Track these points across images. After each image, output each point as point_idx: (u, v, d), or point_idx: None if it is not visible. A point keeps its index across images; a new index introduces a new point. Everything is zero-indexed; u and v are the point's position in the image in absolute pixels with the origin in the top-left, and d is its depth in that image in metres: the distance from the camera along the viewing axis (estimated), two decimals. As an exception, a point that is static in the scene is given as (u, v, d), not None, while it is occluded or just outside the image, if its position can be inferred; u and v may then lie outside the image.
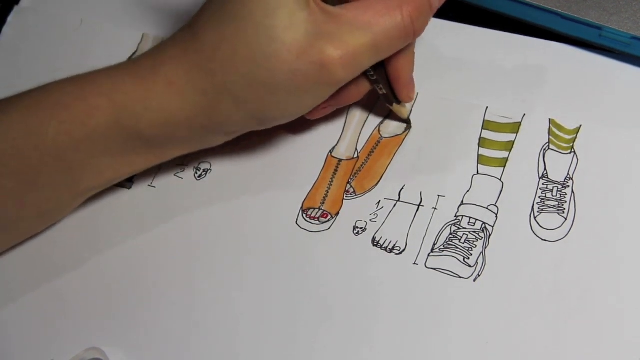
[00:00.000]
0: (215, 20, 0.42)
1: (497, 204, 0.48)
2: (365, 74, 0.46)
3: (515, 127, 0.50)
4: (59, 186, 0.46)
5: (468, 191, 0.48)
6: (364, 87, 0.47)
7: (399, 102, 0.49)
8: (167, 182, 0.51)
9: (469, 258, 0.46)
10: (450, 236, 0.47)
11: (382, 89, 0.48)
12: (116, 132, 0.44)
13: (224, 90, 0.43)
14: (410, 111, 0.51)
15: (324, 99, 0.45)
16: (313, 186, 0.50)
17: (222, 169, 0.51)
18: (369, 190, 0.49)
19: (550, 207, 0.47)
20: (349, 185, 0.49)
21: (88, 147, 0.44)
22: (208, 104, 0.43)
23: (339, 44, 0.41)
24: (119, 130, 0.44)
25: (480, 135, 0.50)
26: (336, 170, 0.50)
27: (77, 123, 0.44)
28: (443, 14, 0.54)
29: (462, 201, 0.48)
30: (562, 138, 0.49)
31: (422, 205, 0.48)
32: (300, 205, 0.49)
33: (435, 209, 0.48)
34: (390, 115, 0.51)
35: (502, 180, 0.48)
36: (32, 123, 0.44)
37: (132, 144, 0.45)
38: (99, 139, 0.44)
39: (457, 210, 0.48)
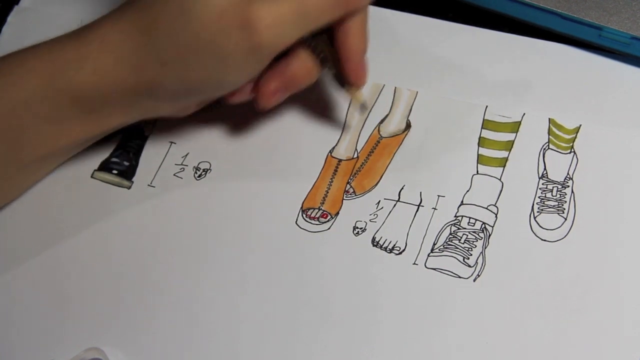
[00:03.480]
0: None
1: (496, 204, 0.48)
2: (310, 49, 0.45)
3: (515, 127, 0.50)
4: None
5: (468, 191, 0.48)
6: (311, 65, 0.46)
7: (349, 84, 0.47)
8: (166, 182, 0.51)
9: (468, 258, 0.46)
10: (450, 236, 0.47)
11: (331, 67, 0.46)
12: (51, 94, 0.44)
13: (151, 50, 0.43)
14: (410, 111, 0.51)
15: (254, 68, 0.44)
16: (313, 186, 0.50)
17: (221, 169, 0.51)
18: (369, 191, 0.49)
19: (550, 207, 0.47)
20: (348, 186, 0.49)
21: (25, 112, 0.45)
22: (137, 63, 0.43)
23: (262, 6, 0.41)
24: (54, 92, 0.44)
25: (480, 134, 0.50)
26: (336, 170, 0.50)
27: (13, 87, 0.44)
28: (443, 14, 0.54)
29: (462, 201, 0.48)
30: (561, 138, 0.49)
31: (422, 206, 0.48)
32: (300, 206, 0.49)
33: (435, 209, 0.48)
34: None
35: (501, 180, 0.48)
36: None
37: (69, 109, 0.45)
38: (35, 103, 0.44)
39: (457, 210, 0.48)
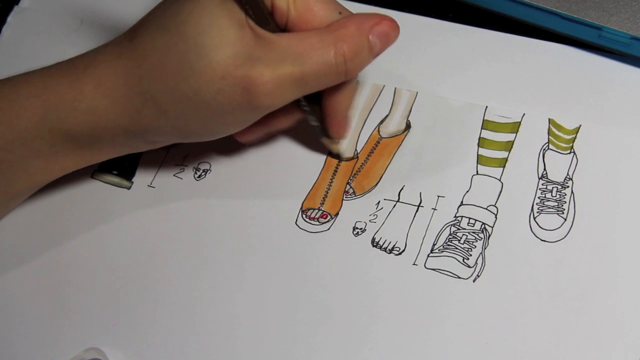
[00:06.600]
0: (152, 30, 0.43)
1: (496, 205, 0.48)
2: (297, 104, 0.46)
3: (514, 127, 0.50)
4: None
5: (467, 192, 0.48)
6: (295, 116, 0.47)
7: (329, 137, 0.48)
8: (166, 182, 0.51)
9: (468, 258, 0.46)
10: (450, 237, 0.47)
11: (314, 120, 0.47)
12: (45, 132, 0.44)
13: (149, 98, 0.43)
14: (410, 112, 0.51)
15: (249, 122, 0.44)
16: (313, 186, 0.50)
17: (221, 169, 0.51)
18: (369, 191, 0.49)
19: (549, 208, 0.47)
20: (348, 186, 0.50)
21: (18, 148, 0.44)
22: (133, 109, 0.43)
23: (265, 71, 0.41)
24: (48, 131, 0.44)
25: (480, 135, 0.50)
26: (336, 171, 0.50)
27: (6, 124, 0.44)
28: (443, 14, 0.54)
29: (462, 202, 0.48)
30: (561, 138, 0.49)
31: (422, 206, 0.48)
32: (300, 206, 0.49)
33: (434, 209, 0.48)
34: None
35: (501, 180, 0.48)
36: None
37: (62, 145, 0.45)
38: (28, 140, 0.44)
39: (456, 211, 0.48)
